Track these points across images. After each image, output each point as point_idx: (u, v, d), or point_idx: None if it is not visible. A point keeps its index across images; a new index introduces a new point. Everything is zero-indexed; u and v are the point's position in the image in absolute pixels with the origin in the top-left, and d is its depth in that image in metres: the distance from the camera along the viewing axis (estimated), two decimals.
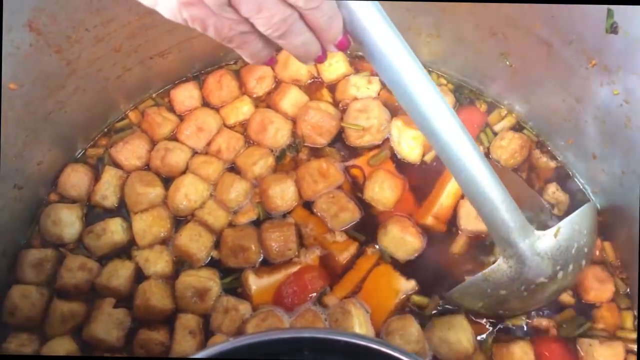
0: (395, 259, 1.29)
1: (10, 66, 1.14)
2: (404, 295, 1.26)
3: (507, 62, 1.33)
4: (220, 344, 0.87)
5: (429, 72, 1.45)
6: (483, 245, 1.31)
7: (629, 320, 1.25)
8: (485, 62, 1.38)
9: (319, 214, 1.33)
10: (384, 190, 1.33)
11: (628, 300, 1.27)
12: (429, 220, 1.33)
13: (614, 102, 1.17)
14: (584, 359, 1.20)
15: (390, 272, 1.28)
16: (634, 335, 1.22)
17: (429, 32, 1.38)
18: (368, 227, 1.33)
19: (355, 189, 1.37)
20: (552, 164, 1.39)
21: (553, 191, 1.35)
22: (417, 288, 1.27)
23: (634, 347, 1.21)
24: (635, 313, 1.26)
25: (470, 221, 1.32)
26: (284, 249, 1.28)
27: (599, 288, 1.26)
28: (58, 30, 1.19)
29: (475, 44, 1.35)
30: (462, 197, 1.33)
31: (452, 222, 1.34)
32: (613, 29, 1.06)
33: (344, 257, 1.30)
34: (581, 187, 1.37)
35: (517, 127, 1.43)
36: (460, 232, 1.33)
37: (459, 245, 1.32)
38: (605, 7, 1.04)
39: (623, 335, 1.23)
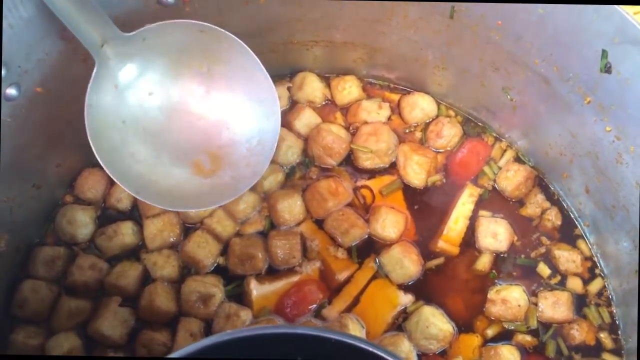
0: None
1: (40, 71, 1.21)
2: (402, 308, 1.32)
3: (509, 97, 1.40)
4: (215, 336, 0.91)
5: (438, 104, 1.54)
6: (504, 261, 1.39)
7: (608, 342, 1.32)
8: (489, 95, 1.44)
9: (329, 231, 1.39)
10: (385, 228, 1.38)
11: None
12: (441, 245, 1.39)
13: (607, 138, 1.24)
14: None
15: (387, 285, 1.34)
16: None
17: (435, 64, 1.45)
18: (375, 242, 1.39)
19: (365, 207, 1.43)
20: (547, 202, 1.44)
21: (549, 218, 1.42)
22: (413, 300, 1.32)
23: None
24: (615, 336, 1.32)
25: (487, 239, 1.38)
26: (288, 257, 1.34)
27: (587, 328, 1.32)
28: None
29: (479, 77, 1.42)
30: (476, 218, 1.42)
31: (465, 244, 1.40)
32: (607, 68, 1.13)
33: (342, 275, 1.36)
34: (574, 220, 1.43)
35: (518, 161, 1.49)
36: (481, 251, 1.38)
37: (482, 263, 1.37)
38: (600, 48, 1.12)
39: (607, 358, 1.29)
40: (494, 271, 1.37)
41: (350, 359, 0.95)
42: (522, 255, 1.39)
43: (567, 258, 1.36)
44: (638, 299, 1.22)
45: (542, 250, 1.40)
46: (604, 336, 1.31)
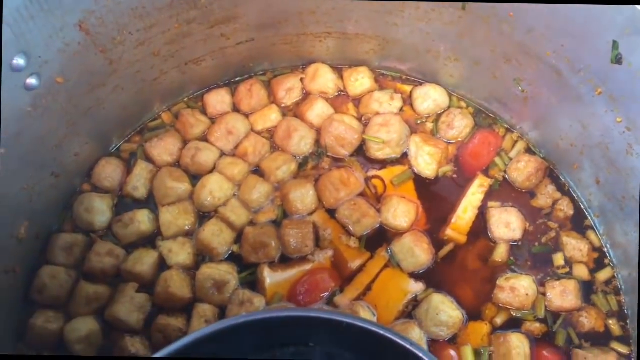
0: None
1: (60, 62, 1.24)
2: (412, 296, 1.34)
3: (520, 88, 1.41)
4: (229, 319, 0.93)
5: (450, 95, 1.55)
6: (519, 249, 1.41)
7: (616, 329, 1.33)
8: (500, 87, 1.46)
9: (342, 221, 1.41)
10: (397, 217, 1.40)
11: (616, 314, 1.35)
12: (448, 233, 1.41)
13: (617, 129, 1.25)
14: None
15: (399, 274, 1.36)
16: (626, 350, 1.29)
17: (447, 55, 1.47)
18: (386, 232, 1.41)
19: (376, 197, 1.45)
20: (558, 192, 1.46)
21: (561, 209, 1.44)
22: (424, 289, 1.34)
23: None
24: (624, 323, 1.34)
25: (501, 229, 1.40)
26: (301, 245, 1.36)
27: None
28: (105, 32, 1.29)
29: (490, 69, 1.43)
30: (485, 209, 1.43)
31: (472, 233, 1.42)
32: (618, 59, 1.14)
33: (355, 264, 1.38)
34: (584, 211, 1.44)
35: (529, 152, 1.50)
36: (496, 242, 1.40)
37: (499, 253, 1.39)
38: (611, 39, 1.12)
39: (616, 347, 1.30)
40: (512, 258, 1.39)
41: (362, 344, 0.97)
42: (536, 244, 1.41)
43: (574, 246, 1.38)
44: (639, 287, 1.24)
45: (553, 234, 1.42)
46: (612, 322, 1.33)
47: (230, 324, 0.88)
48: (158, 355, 0.90)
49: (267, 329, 0.94)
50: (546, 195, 1.44)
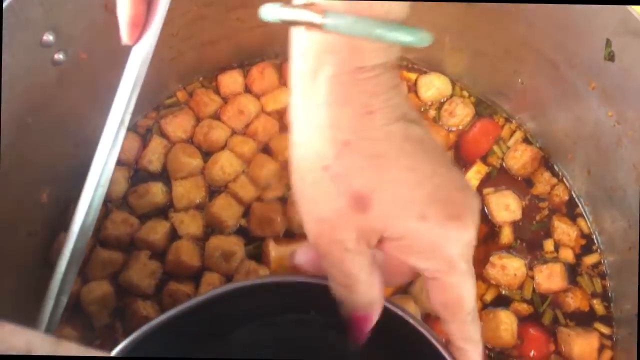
0: None
1: (86, 39, 1.30)
2: None
3: (520, 80, 1.47)
4: (233, 283, 0.98)
5: (453, 84, 1.61)
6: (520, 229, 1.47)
7: (600, 308, 1.40)
8: (501, 78, 1.52)
9: None
10: None
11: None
12: None
13: (608, 123, 1.31)
14: (561, 346, 1.35)
15: None
16: (608, 331, 1.37)
17: (452, 45, 1.52)
18: None
19: None
20: (554, 178, 1.53)
21: (557, 194, 1.50)
22: None
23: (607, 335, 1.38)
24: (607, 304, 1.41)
25: (502, 213, 1.46)
26: None
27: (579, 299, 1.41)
28: None
29: (492, 60, 1.48)
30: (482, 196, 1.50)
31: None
32: (610, 57, 1.20)
33: None
34: (576, 199, 1.51)
35: (525, 142, 1.56)
36: (500, 226, 1.46)
37: (505, 236, 1.45)
38: (604, 37, 1.18)
39: (598, 327, 1.38)
40: (518, 240, 1.45)
41: None
42: (534, 222, 1.48)
43: (564, 230, 1.44)
44: None
45: (545, 212, 1.49)
46: (596, 302, 1.39)
47: (236, 287, 0.95)
48: (168, 314, 0.97)
49: (271, 292, 1.00)
50: (544, 183, 1.51)
